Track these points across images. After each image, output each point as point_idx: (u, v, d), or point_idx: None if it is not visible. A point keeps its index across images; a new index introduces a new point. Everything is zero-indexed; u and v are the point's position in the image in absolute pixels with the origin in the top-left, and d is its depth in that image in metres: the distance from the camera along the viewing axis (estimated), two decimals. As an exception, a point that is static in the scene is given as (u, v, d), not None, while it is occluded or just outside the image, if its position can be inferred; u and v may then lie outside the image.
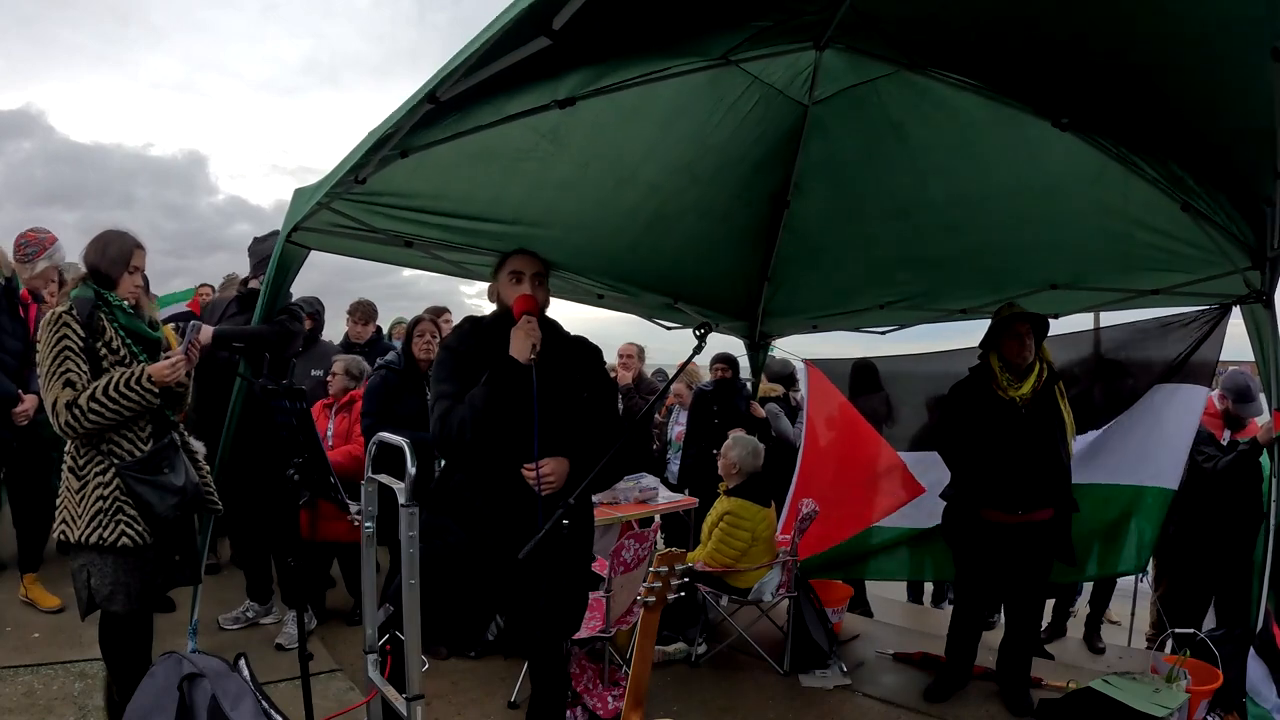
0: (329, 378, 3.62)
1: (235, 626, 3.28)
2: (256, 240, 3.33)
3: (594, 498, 2.79)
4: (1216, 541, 3.35)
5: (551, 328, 2.14)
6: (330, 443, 3.43)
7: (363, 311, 4.52)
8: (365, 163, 2.15)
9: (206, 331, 2.93)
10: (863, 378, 4.13)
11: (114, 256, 2.19)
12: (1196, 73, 2.01)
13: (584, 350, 2.18)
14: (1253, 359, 2.97)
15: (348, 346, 4.42)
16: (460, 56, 1.67)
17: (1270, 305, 2.80)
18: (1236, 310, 3.04)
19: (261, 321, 2.84)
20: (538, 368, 1.93)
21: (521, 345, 1.94)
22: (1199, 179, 2.43)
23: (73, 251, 3.20)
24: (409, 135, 2.04)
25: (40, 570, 3.26)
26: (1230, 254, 2.70)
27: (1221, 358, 3.25)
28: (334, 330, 4.75)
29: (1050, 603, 4.00)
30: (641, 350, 4.98)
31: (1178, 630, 3.07)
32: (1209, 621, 3.53)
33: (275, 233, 3.34)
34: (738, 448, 3.38)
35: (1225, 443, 3.43)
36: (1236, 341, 3.11)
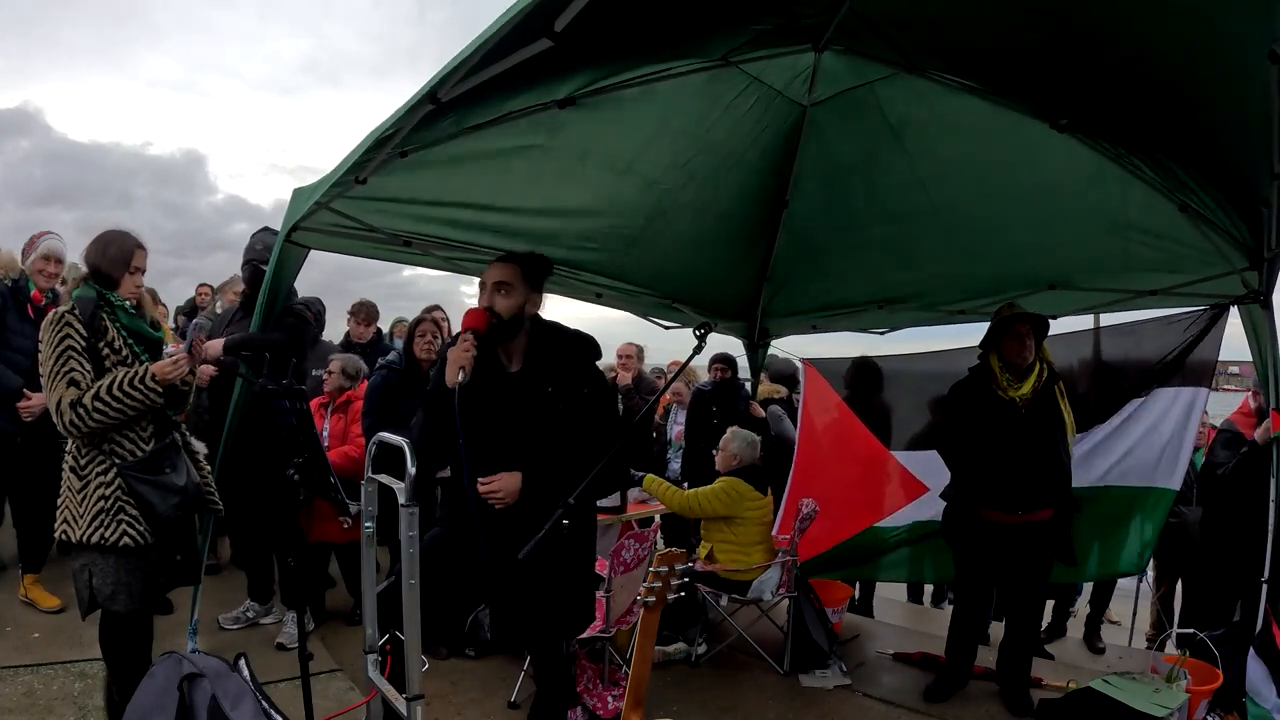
0: (325, 376, 3.62)
1: (235, 626, 3.28)
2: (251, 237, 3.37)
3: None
4: (1238, 543, 3.32)
5: (546, 329, 2.13)
6: (326, 442, 3.43)
7: (365, 312, 4.52)
8: (365, 163, 2.16)
9: (216, 345, 2.93)
10: (862, 376, 4.13)
11: (114, 257, 2.19)
12: (1195, 74, 2.01)
13: (575, 351, 2.12)
14: (1250, 359, 2.98)
15: (348, 346, 4.43)
16: (462, 57, 1.67)
17: (1268, 305, 2.81)
18: (1234, 310, 3.05)
19: (262, 321, 2.84)
20: (514, 377, 2.03)
21: (450, 369, 1.96)
22: (1197, 180, 2.44)
23: (74, 252, 3.22)
24: (409, 135, 2.04)
25: (40, 571, 3.26)
26: (1228, 254, 2.71)
27: (1220, 358, 3.26)
28: (334, 330, 4.75)
29: (1050, 603, 4.00)
30: (641, 350, 4.99)
31: (1179, 630, 3.07)
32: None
33: (265, 228, 3.38)
34: (736, 440, 3.47)
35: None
36: (1234, 342, 3.12)
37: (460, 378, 1.91)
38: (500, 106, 2.10)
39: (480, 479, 1.98)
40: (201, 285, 5.77)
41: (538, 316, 2.14)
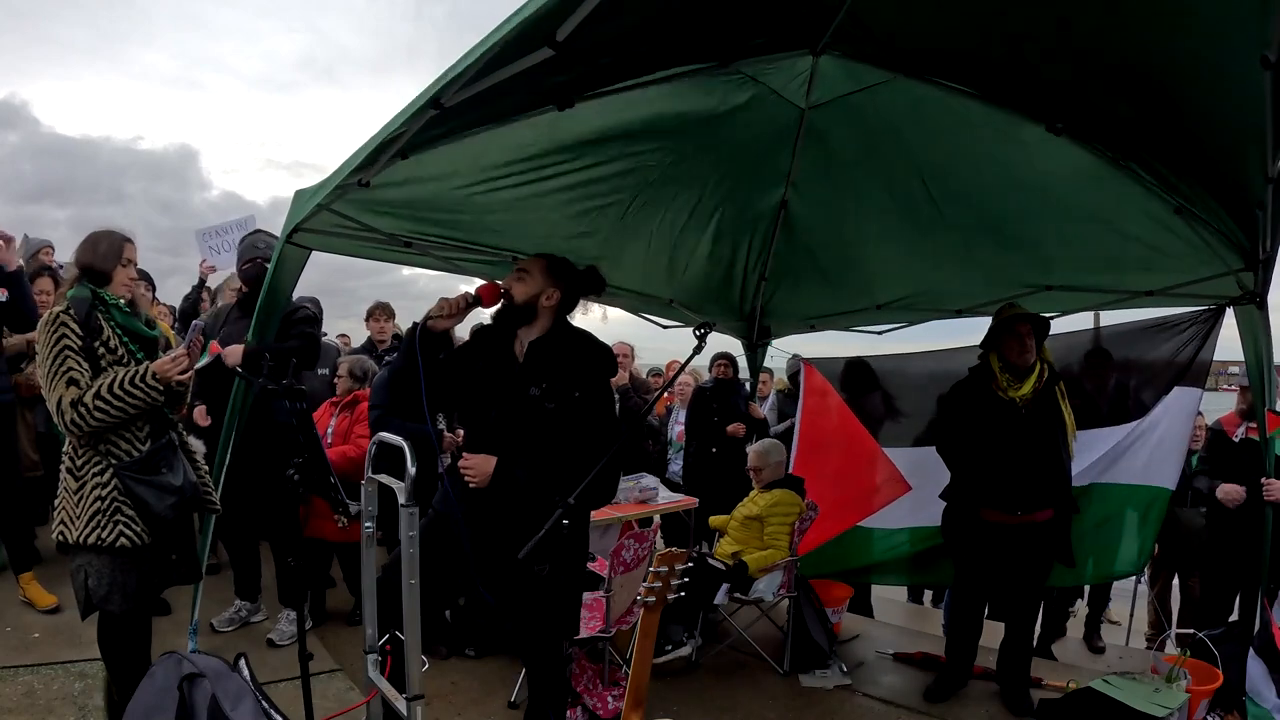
0: (336, 379, 3.67)
1: (230, 628, 3.26)
2: (242, 239, 3.39)
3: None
4: (1239, 542, 3.31)
5: (565, 331, 2.15)
6: (329, 440, 3.43)
7: (383, 311, 4.50)
8: (369, 165, 2.17)
9: (236, 352, 2.94)
10: (857, 376, 4.15)
11: (105, 252, 2.20)
12: (1189, 78, 2.02)
13: (580, 356, 2.12)
14: (1244, 359, 2.99)
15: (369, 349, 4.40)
16: (463, 64, 1.67)
17: (1263, 306, 2.82)
18: (1231, 311, 3.06)
19: (262, 323, 2.84)
20: (516, 369, 2.10)
21: (433, 306, 2.10)
22: (1191, 182, 2.45)
23: (66, 250, 3.19)
24: (411, 138, 2.05)
25: (40, 569, 3.24)
26: (1224, 256, 2.71)
27: (1219, 358, 3.27)
28: (333, 330, 4.74)
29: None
30: (632, 349, 5.00)
31: (1178, 630, 3.07)
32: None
33: (258, 230, 3.41)
34: (775, 451, 3.59)
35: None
36: (1234, 344, 3.12)
37: (435, 311, 2.05)
38: (501, 110, 2.11)
39: (464, 453, 2.09)
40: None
41: (564, 320, 2.17)
